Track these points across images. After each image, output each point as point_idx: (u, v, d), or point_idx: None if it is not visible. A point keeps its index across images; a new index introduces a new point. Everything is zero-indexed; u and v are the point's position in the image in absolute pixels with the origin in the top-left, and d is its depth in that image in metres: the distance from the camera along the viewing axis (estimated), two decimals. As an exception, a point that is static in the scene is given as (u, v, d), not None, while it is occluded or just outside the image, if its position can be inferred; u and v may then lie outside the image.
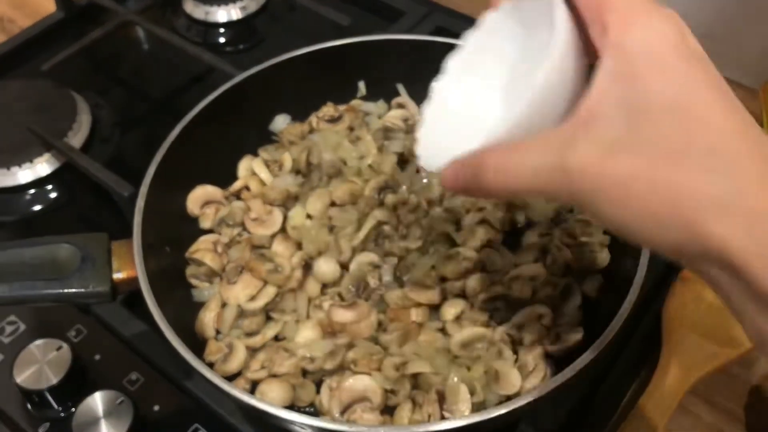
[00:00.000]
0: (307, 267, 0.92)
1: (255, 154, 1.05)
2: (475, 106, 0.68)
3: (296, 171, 1.02)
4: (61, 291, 0.77)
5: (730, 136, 0.45)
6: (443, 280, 0.90)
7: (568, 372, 0.71)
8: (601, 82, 0.49)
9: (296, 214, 0.97)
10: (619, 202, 0.47)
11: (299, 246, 0.95)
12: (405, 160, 1.04)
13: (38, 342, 0.89)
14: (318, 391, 0.84)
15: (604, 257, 0.90)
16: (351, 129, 1.06)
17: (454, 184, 0.57)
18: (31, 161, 1.14)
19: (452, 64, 0.69)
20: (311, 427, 0.70)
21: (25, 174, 1.14)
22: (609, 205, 0.47)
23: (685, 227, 0.45)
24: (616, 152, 0.47)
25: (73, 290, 0.78)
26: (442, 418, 0.78)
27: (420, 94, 1.10)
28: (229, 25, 1.41)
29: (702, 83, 0.47)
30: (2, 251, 0.79)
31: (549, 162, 0.49)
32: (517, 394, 0.79)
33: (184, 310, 0.89)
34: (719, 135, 0.45)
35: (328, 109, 1.07)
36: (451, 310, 0.88)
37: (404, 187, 0.98)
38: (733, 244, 0.43)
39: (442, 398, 0.79)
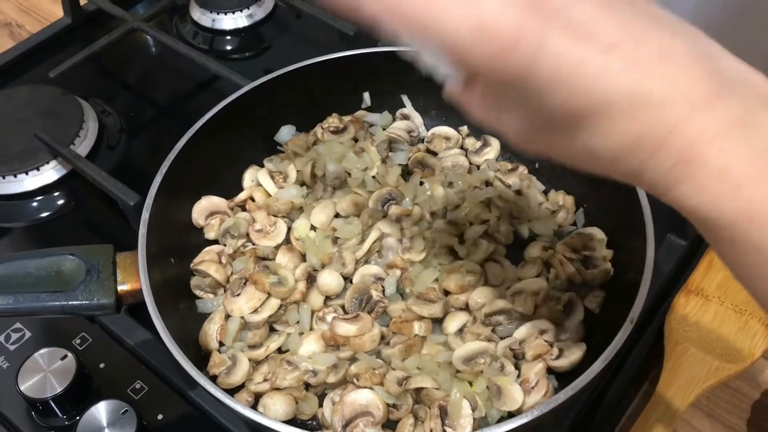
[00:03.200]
0: (310, 279, 0.92)
1: (260, 165, 1.06)
2: None
3: (301, 182, 1.02)
4: (65, 303, 0.78)
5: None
6: (446, 293, 0.91)
7: (570, 390, 0.71)
8: None
9: (300, 226, 0.97)
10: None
11: (303, 257, 0.95)
12: (409, 171, 1.04)
13: (43, 351, 0.89)
14: (321, 404, 0.84)
15: (606, 271, 0.90)
16: (356, 140, 1.06)
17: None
18: (37, 168, 1.15)
19: None
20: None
21: (31, 181, 1.15)
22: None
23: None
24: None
25: (78, 302, 0.78)
26: (444, 433, 0.78)
27: (425, 106, 1.12)
28: (235, 32, 1.41)
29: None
30: (7, 263, 0.80)
31: None
32: (519, 410, 0.79)
33: (189, 321, 0.90)
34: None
35: (333, 120, 1.07)
36: (453, 323, 0.88)
37: (408, 199, 0.99)
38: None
39: (444, 413, 0.79)
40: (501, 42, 0.45)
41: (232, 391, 0.83)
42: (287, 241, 0.97)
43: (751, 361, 0.91)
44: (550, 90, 0.46)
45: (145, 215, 0.87)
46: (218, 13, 1.40)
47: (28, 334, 0.97)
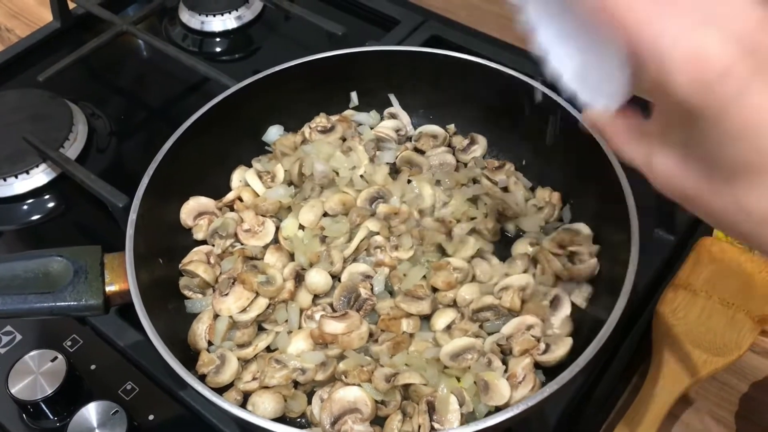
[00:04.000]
0: (299, 278, 0.92)
1: (248, 165, 1.06)
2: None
3: (289, 182, 1.03)
4: (53, 304, 0.78)
5: None
6: (434, 290, 0.91)
7: (555, 384, 0.72)
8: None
9: (289, 225, 0.97)
10: None
11: (291, 257, 0.95)
12: (397, 170, 1.05)
13: (33, 353, 0.89)
14: (309, 402, 0.84)
15: (593, 267, 0.91)
16: (343, 139, 1.07)
17: (591, 129, 0.61)
18: (27, 172, 1.15)
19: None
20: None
21: (21, 184, 1.15)
22: None
23: None
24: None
25: (66, 303, 0.79)
26: (432, 429, 0.79)
27: (412, 105, 1.12)
28: (224, 34, 1.42)
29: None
30: (-5, 265, 0.80)
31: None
32: (506, 405, 0.79)
33: (177, 321, 0.90)
34: None
35: (321, 120, 1.08)
36: (441, 320, 0.88)
37: (396, 197, 0.99)
38: None
39: (432, 409, 0.79)
40: (712, 72, 0.45)
41: (221, 391, 0.84)
42: (275, 240, 0.98)
43: (738, 354, 0.91)
44: (736, 135, 0.46)
45: (133, 216, 0.87)
46: (207, 15, 1.40)
47: (18, 337, 0.97)
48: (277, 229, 0.98)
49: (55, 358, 0.89)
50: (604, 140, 0.59)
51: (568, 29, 0.57)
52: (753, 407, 0.93)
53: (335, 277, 0.93)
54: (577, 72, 0.57)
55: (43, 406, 0.87)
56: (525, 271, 0.92)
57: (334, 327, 0.85)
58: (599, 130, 0.59)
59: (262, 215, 0.99)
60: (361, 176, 1.02)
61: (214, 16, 1.40)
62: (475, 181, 1.03)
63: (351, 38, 1.25)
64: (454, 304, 0.91)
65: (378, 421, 0.82)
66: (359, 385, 0.82)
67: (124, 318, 0.96)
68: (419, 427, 0.79)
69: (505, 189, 1.02)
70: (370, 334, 0.88)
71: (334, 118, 1.09)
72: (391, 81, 1.10)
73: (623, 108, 0.56)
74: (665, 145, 0.52)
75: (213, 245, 0.97)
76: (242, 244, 0.97)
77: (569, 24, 0.56)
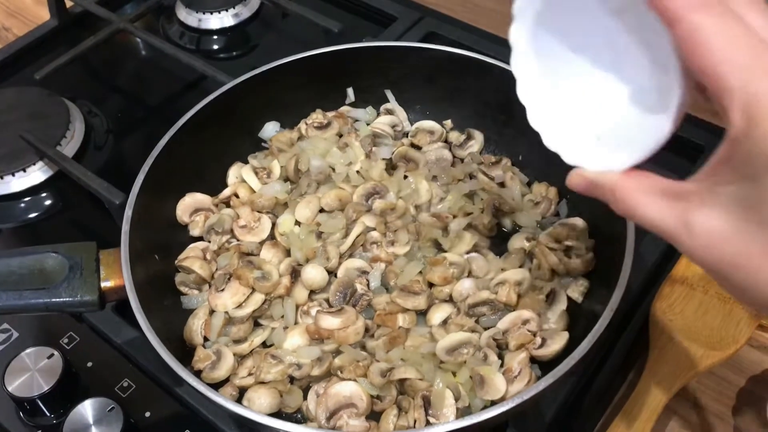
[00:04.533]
0: (295, 273, 0.92)
1: (245, 161, 1.06)
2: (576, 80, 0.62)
3: (285, 178, 1.03)
4: (49, 300, 0.78)
5: None
6: (430, 285, 0.91)
7: (551, 377, 0.72)
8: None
9: (285, 221, 0.97)
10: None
11: (288, 253, 0.95)
12: (393, 165, 1.05)
13: (29, 350, 0.89)
14: (305, 397, 0.84)
15: (589, 261, 0.90)
16: (340, 135, 1.07)
17: (581, 191, 0.58)
18: (24, 170, 1.15)
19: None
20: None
21: (18, 182, 1.16)
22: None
23: None
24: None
25: (61, 299, 0.78)
26: (428, 423, 0.78)
27: (408, 101, 1.12)
28: (221, 31, 1.42)
29: None
30: (-10, 261, 0.80)
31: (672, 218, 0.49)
32: (502, 399, 0.79)
33: (173, 317, 0.90)
34: None
35: (317, 116, 1.08)
36: (437, 315, 0.88)
37: (392, 193, 0.99)
38: None
39: (427, 404, 0.79)
40: None
41: (217, 386, 0.83)
42: (272, 236, 0.98)
43: (735, 349, 0.91)
44: None
45: (128, 212, 0.87)
46: (204, 13, 1.41)
47: (15, 334, 0.97)
48: (273, 225, 0.98)
49: (52, 355, 0.89)
50: (613, 201, 0.54)
51: (616, 79, 0.54)
52: (750, 401, 0.92)
53: (331, 273, 0.93)
54: (593, 131, 0.55)
55: (40, 403, 0.88)
56: (521, 266, 0.92)
57: (330, 322, 0.85)
58: (608, 189, 0.54)
59: (258, 211, 0.99)
60: (358, 172, 1.02)
61: (212, 13, 1.41)
62: (471, 176, 1.03)
63: (348, 35, 1.25)
64: (450, 299, 0.91)
65: (374, 416, 0.82)
66: (355, 380, 0.82)
67: (120, 315, 0.96)
68: (415, 421, 0.79)
69: (502, 184, 1.02)
70: (366, 330, 0.88)
71: (330, 114, 1.09)
72: (387, 77, 1.10)
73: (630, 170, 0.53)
74: (714, 205, 0.46)
75: (209, 241, 0.97)
76: (238, 240, 0.97)
77: (622, 71, 0.54)
